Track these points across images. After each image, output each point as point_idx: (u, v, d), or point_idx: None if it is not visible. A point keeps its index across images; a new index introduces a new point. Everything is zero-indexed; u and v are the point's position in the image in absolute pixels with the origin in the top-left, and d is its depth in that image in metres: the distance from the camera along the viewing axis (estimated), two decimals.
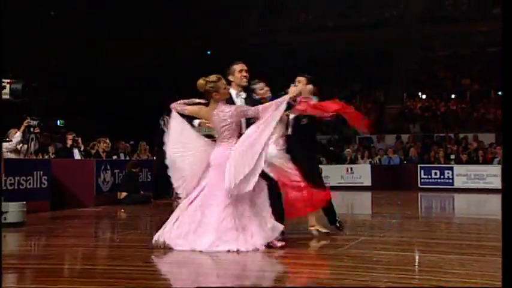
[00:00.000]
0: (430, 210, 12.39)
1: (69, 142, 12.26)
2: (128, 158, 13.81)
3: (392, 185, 16.13)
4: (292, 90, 6.46)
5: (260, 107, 5.90)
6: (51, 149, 13.52)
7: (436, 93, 24.61)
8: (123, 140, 14.76)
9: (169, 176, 6.06)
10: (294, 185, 7.22)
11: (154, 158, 13.82)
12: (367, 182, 16.93)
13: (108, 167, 11.66)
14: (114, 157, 13.41)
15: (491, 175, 15.85)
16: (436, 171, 16.46)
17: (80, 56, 24.71)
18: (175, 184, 6.01)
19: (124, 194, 11.80)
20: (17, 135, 10.87)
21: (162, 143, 13.78)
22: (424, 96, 24.68)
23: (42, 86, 23.13)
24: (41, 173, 9.96)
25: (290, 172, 7.36)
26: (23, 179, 9.58)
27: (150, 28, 26.89)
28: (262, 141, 5.74)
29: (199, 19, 27.62)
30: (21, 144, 10.85)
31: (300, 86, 6.83)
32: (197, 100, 6.03)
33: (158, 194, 12.91)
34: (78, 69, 24.28)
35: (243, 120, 5.99)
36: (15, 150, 10.90)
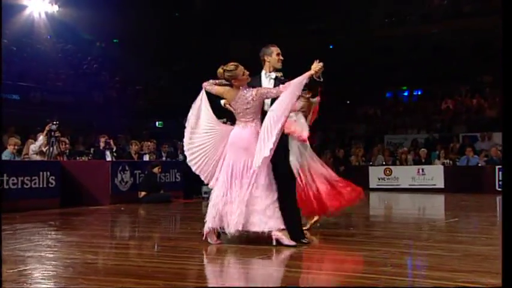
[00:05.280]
0: None
1: (102, 144, 13.15)
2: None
3: (467, 187, 14.77)
4: (315, 66, 6.03)
5: (281, 86, 5.96)
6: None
7: None
8: None
9: (197, 176, 6.29)
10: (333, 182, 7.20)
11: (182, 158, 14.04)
12: (440, 184, 15.61)
13: (127, 168, 12.25)
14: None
15: None
16: None
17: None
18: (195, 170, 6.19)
19: (143, 193, 12.32)
20: (40, 139, 12.08)
21: None
22: None
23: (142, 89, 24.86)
24: (48, 173, 10.96)
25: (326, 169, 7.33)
26: (27, 179, 10.61)
27: (273, 25, 26.98)
28: (284, 112, 5.82)
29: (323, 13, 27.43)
30: (47, 147, 12.06)
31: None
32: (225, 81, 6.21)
33: (188, 193, 13.38)
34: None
35: (267, 101, 6.10)
36: (41, 153, 12.13)
